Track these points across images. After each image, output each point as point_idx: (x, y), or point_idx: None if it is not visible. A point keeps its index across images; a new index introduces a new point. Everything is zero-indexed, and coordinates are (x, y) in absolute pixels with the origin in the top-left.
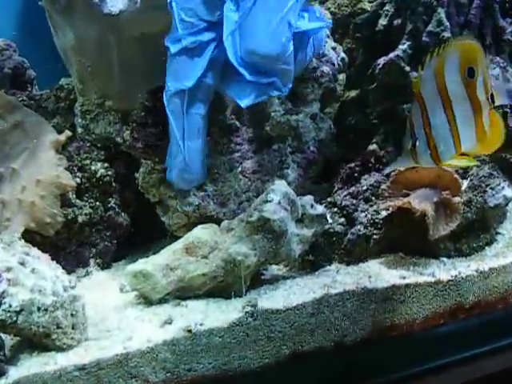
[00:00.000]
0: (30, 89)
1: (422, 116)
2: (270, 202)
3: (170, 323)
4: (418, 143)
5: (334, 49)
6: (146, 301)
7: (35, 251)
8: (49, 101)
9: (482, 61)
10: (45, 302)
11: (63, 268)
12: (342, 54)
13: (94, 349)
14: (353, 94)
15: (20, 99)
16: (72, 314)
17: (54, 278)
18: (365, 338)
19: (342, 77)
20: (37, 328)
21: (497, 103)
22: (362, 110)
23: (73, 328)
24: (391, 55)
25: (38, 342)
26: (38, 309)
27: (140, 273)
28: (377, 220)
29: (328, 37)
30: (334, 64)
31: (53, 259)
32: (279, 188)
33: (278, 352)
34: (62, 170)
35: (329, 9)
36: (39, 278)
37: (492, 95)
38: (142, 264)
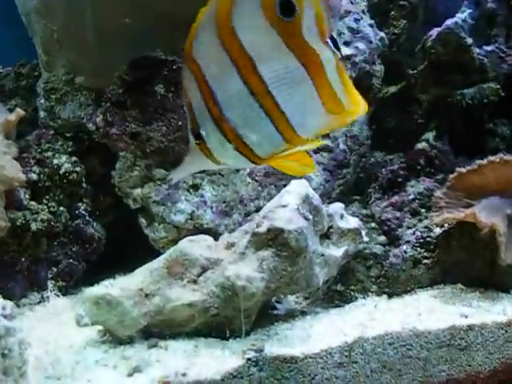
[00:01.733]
0: None
1: (200, 91)
2: (284, 207)
3: (141, 371)
4: (203, 133)
5: (371, 26)
6: (112, 338)
7: None
8: (7, 78)
9: None
10: None
11: (10, 291)
12: (381, 33)
13: None
14: (392, 89)
15: None
16: (3, 354)
17: None
18: None
19: (378, 68)
20: None
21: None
22: (404, 108)
23: (4, 373)
24: (448, 22)
25: None
26: None
27: (103, 299)
28: (428, 239)
29: (364, 13)
30: (371, 41)
31: None
32: (297, 189)
33: None
34: (8, 159)
35: None
36: None
37: (333, 39)
38: (106, 288)
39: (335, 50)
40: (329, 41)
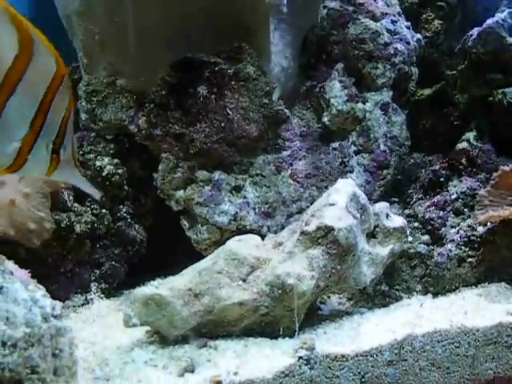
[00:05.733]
0: None
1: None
2: (333, 205)
3: (192, 371)
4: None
5: (407, 28)
6: (161, 339)
7: (8, 264)
8: None
9: None
10: (13, 334)
11: (54, 293)
12: (418, 35)
13: None
14: (427, 91)
15: None
16: (54, 354)
17: (29, 301)
18: None
19: (414, 70)
20: (1, 371)
21: None
22: (439, 109)
23: (55, 374)
24: (489, 22)
25: None
26: (3, 344)
27: (152, 299)
28: (473, 237)
29: (399, 14)
30: (408, 43)
31: (38, 280)
32: (345, 188)
33: None
34: None
35: None
36: (8, 301)
37: None
38: (155, 288)
39: None
40: None
